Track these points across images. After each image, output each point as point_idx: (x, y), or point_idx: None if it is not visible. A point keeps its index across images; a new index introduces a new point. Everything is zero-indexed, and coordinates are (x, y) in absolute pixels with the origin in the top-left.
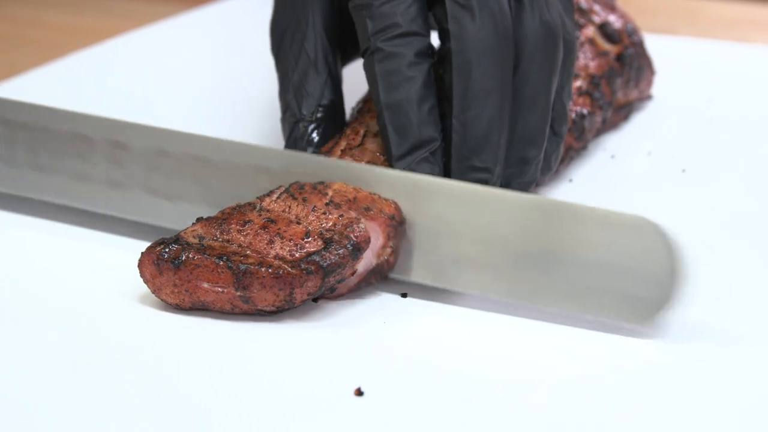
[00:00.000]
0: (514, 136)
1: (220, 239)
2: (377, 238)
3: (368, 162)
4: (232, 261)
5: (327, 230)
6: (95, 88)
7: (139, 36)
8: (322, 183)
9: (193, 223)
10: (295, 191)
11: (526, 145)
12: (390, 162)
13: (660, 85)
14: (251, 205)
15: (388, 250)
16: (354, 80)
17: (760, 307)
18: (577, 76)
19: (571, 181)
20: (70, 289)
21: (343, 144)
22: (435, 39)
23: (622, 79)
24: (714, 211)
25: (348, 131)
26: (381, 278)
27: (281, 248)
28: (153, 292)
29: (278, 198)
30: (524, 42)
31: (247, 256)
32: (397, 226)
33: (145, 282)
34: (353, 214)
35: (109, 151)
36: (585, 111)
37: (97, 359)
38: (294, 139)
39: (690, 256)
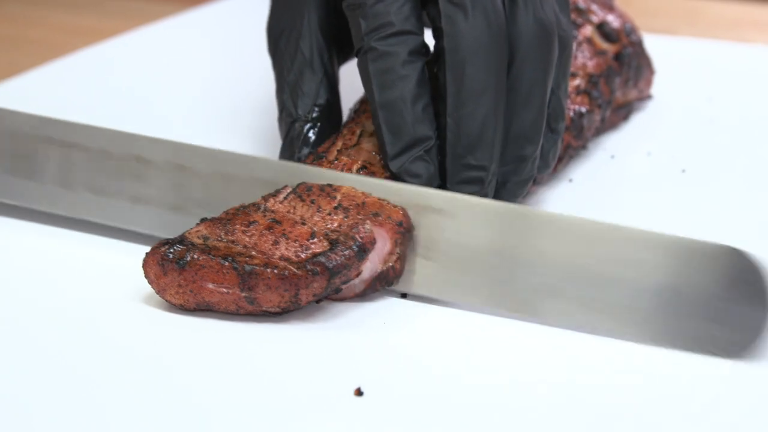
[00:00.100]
0: (509, 134)
1: (225, 240)
2: (384, 244)
3: (364, 162)
4: (237, 262)
5: (332, 231)
6: (95, 88)
7: (139, 36)
8: (329, 185)
9: (198, 224)
10: (303, 192)
11: (522, 142)
12: (385, 161)
13: (660, 85)
14: (255, 206)
15: (394, 257)
16: (354, 80)
17: None
18: (575, 75)
19: (570, 181)
20: (74, 290)
21: (339, 144)
22: (429, 38)
23: (621, 78)
24: (714, 211)
25: (344, 131)
26: (387, 285)
27: (286, 249)
28: (157, 293)
29: (285, 198)
30: (518, 39)
31: (252, 257)
32: (405, 232)
33: (150, 282)
34: (361, 218)
35: (171, 173)
36: (583, 109)
37: (101, 360)
38: (291, 138)
39: None
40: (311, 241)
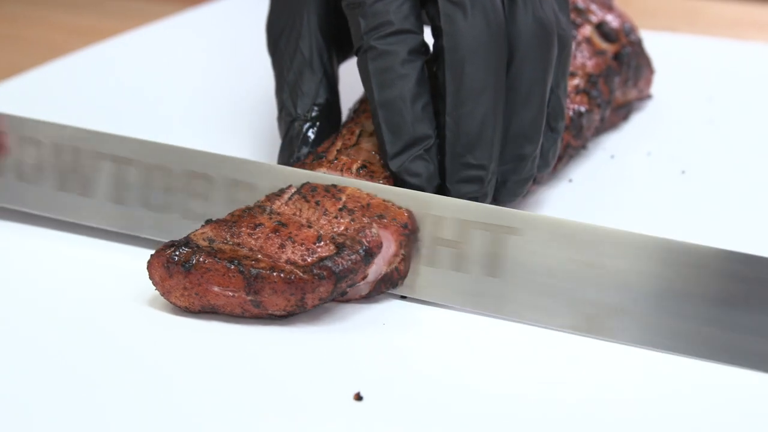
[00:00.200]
0: (509, 133)
1: (231, 242)
2: (389, 246)
3: (363, 161)
4: (243, 265)
5: (339, 235)
6: (95, 88)
7: (139, 36)
8: (334, 186)
9: (202, 225)
10: (307, 193)
11: (521, 141)
12: (385, 160)
13: (659, 85)
14: (261, 208)
15: (399, 258)
16: (353, 80)
17: None
18: (574, 75)
19: (570, 181)
20: (79, 292)
21: (339, 143)
22: (428, 36)
23: (620, 77)
24: (714, 211)
25: (344, 131)
26: (391, 286)
27: (293, 252)
28: (162, 295)
29: (289, 199)
30: (517, 38)
31: (258, 260)
32: (410, 234)
33: (155, 285)
34: (366, 220)
35: (229, 189)
36: (583, 109)
37: (106, 362)
38: (290, 138)
39: None
40: (318, 244)
